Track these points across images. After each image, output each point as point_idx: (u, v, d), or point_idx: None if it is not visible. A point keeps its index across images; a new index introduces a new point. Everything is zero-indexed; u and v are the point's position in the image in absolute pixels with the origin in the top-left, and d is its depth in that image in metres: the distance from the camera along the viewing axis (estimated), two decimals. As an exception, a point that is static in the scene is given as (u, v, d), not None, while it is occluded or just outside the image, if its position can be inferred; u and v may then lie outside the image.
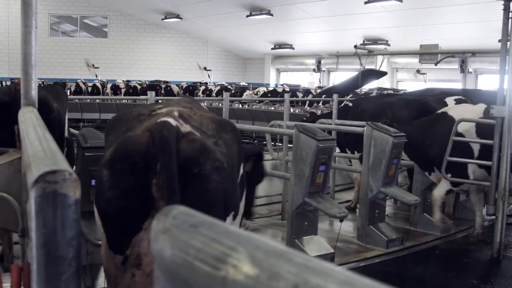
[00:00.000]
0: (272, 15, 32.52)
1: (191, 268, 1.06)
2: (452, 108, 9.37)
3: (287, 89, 30.16)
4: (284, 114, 10.89)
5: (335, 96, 11.99)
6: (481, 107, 8.78)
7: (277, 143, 12.66)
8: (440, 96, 10.99)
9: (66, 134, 6.62)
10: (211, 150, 3.39)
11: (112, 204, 3.30)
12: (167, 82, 33.37)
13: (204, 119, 3.68)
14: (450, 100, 10.47)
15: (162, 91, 30.44)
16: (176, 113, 3.54)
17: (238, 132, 3.93)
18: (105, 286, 5.47)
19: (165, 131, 3.27)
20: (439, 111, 9.26)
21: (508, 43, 8.19)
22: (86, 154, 5.56)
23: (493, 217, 8.31)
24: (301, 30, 36.10)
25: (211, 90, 32.03)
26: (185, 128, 3.45)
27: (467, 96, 10.96)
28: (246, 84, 36.32)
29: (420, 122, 9.25)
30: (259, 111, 25.44)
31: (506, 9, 8.17)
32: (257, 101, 27.58)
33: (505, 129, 7.86)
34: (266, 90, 30.74)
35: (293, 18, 33.72)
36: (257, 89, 32.05)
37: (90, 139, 5.76)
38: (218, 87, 32.21)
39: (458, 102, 10.39)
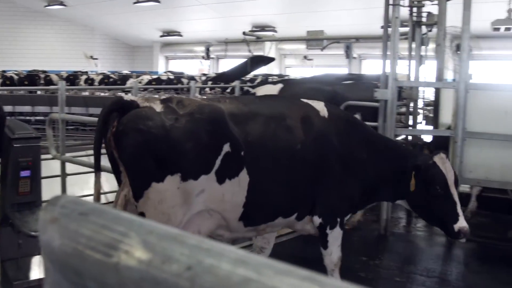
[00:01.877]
0: (159, 1, 32.08)
1: (82, 257, 1.04)
2: (259, 89, 9.76)
3: (172, 77, 29.94)
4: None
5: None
6: (279, 86, 9.27)
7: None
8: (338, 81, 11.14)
9: None
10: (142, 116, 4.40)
11: None
12: (45, 71, 32.00)
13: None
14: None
15: (42, 81, 29.28)
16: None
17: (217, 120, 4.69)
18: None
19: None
20: (251, 92, 9.72)
21: (389, 29, 8.51)
22: (15, 145, 5.50)
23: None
24: (190, 17, 35.91)
25: (93, 80, 31.15)
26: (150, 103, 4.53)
27: (361, 81, 11.34)
28: (130, 73, 35.54)
29: None
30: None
31: (387, -4, 8.49)
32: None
33: (388, 112, 8.19)
34: (150, 78, 30.27)
35: (181, 5, 33.48)
36: (141, 77, 31.47)
37: (18, 130, 5.69)
38: (101, 76, 31.42)
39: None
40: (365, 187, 5.54)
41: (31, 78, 29.71)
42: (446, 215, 5.33)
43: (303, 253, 7.47)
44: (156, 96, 26.08)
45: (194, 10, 33.64)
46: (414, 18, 9.83)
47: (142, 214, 4.46)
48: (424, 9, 9.87)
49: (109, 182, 10.36)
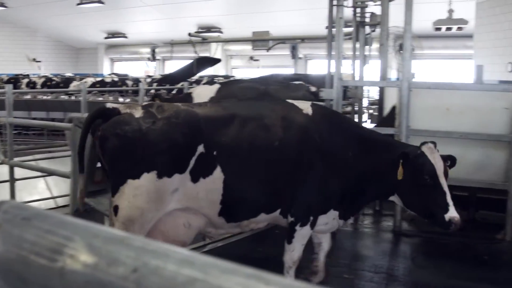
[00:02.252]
0: (103, 3, 31.71)
1: (26, 263, 1.02)
2: (194, 89, 9.91)
3: (116, 79, 29.59)
4: (82, 105, 10.73)
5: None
6: (216, 86, 9.40)
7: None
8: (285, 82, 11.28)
9: None
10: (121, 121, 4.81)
11: None
12: None
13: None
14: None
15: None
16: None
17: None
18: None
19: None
20: (188, 92, 10.29)
21: (333, 29, 8.62)
22: None
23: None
24: (135, 18, 35.60)
25: (35, 83, 30.51)
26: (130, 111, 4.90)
27: (307, 81, 11.45)
28: (72, 75, 34.97)
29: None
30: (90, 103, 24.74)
31: (330, -3, 8.62)
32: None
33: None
34: (94, 81, 29.84)
35: (126, 7, 33.16)
36: (84, 80, 30.97)
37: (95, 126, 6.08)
38: (43, 79, 30.82)
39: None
40: (353, 185, 5.56)
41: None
42: (436, 205, 5.28)
43: (253, 253, 7.49)
44: (100, 99, 25.82)
45: (139, 11, 33.38)
46: (358, 19, 9.98)
47: (115, 208, 4.85)
48: (368, 9, 10.02)
49: (58, 186, 10.20)
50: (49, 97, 23.87)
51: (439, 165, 5.34)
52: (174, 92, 20.30)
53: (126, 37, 40.06)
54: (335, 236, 8.27)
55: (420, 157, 5.33)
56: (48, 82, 29.80)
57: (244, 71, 38.59)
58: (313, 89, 10.18)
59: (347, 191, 5.57)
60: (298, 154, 5.29)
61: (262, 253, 7.60)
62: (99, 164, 6.14)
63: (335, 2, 8.45)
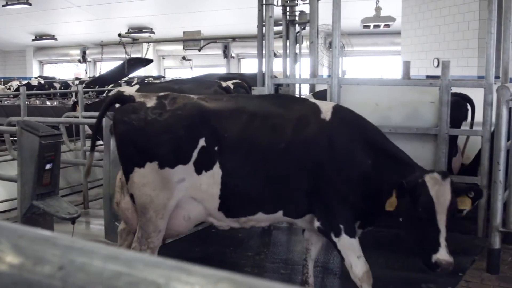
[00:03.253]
0: (30, 4, 30.88)
1: (-50, 267, 1.02)
2: (115, 90, 10.75)
3: (42, 82, 28.98)
4: (21, 108, 10.65)
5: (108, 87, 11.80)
6: (135, 87, 10.29)
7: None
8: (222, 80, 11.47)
9: None
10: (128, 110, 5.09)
11: None
12: None
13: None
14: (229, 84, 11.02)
15: None
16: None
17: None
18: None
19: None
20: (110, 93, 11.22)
21: (264, 28, 8.70)
22: (43, 142, 6.46)
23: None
24: (64, 20, 34.86)
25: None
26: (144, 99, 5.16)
27: (244, 80, 11.62)
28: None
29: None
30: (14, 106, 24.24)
31: (259, -4, 8.69)
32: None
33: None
34: (19, 84, 29.13)
35: (54, 8, 32.45)
36: (9, 83, 30.17)
37: (42, 128, 6.53)
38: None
39: (235, 86, 10.92)
40: (367, 196, 5.19)
41: None
42: (426, 242, 4.76)
43: (192, 254, 7.49)
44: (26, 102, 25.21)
45: (68, 12, 32.73)
46: (288, 17, 10.09)
47: (131, 196, 5.22)
48: (297, 8, 10.15)
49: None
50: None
51: (442, 200, 4.74)
52: (104, 95, 20.05)
53: (55, 39, 39.21)
54: (271, 232, 8.37)
55: (418, 188, 4.76)
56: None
57: (176, 72, 38.39)
58: (223, 84, 10.47)
59: (360, 200, 5.20)
60: (304, 158, 5.13)
61: (197, 253, 7.62)
62: (48, 167, 6.71)
63: (264, 1, 8.53)
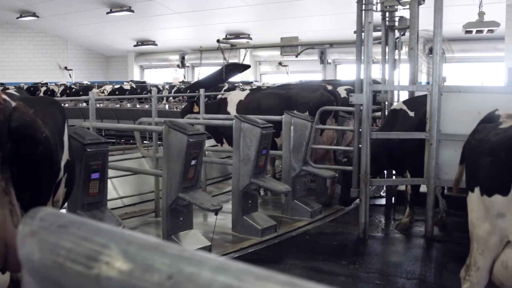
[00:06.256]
0: (133, 11, 32.01)
1: (63, 269, 1.04)
2: (228, 94, 11.60)
3: (134, 86, 29.80)
4: (153, 111, 10.72)
5: (201, 91, 11.98)
6: (246, 92, 11.02)
7: (144, 141, 12.58)
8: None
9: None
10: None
11: None
12: (2, 84, 30.94)
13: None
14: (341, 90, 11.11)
15: (41, 93, 29.39)
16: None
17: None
18: None
19: None
20: (223, 97, 12.17)
21: (363, 34, 8.58)
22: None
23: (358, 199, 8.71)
24: (163, 26, 35.82)
25: (53, 91, 30.89)
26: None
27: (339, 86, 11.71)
28: (89, 83, 35.21)
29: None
30: (124, 110, 25.14)
31: (359, 2, 8.56)
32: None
33: (364, 115, 8.24)
34: (113, 88, 30.09)
35: (155, 14, 33.38)
36: (103, 87, 31.21)
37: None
38: (62, 87, 31.23)
39: (348, 91, 10.95)
40: None
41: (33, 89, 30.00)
42: None
43: (286, 258, 7.48)
44: (118, 105, 26.25)
45: (168, 19, 33.58)
46: (387, 23, 9.91)
47: None
48: (397, 13, 9.96)
49: (122, 187, 10.32)
50: (66, 105, 24.42)
51: None
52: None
53: (155, 44, 40.34)
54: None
55: None
56: (67, 90, 30.21)
57: (273, 77, 38.60)
58: (329, 87, 10.59)
59: None
60: None
61: (291, 258, 7.60)
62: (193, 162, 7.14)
63: (364, 7, 8.42)
